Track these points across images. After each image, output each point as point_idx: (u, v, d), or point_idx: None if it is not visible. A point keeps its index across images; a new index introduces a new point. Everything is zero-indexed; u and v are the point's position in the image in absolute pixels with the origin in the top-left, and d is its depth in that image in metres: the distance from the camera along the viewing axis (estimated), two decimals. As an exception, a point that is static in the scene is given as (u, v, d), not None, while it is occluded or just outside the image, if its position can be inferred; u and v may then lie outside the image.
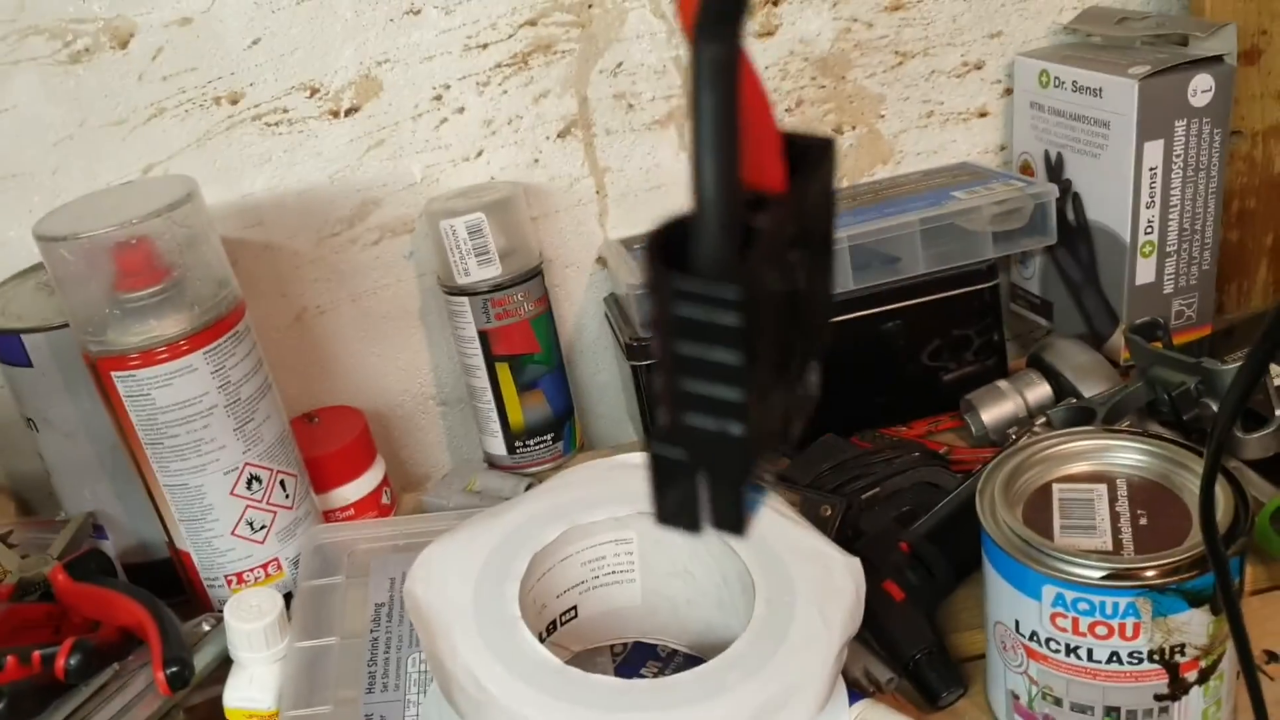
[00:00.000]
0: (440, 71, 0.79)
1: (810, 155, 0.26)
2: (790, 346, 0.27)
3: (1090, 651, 0.51)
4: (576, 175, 0.84)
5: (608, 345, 0.91)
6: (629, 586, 0.61)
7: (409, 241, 0.84)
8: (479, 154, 0.82)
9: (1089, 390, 0.76)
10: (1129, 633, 0.50)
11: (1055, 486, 0.57)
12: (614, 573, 0.60)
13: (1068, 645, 0.52)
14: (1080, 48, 0.85)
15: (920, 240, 0.78)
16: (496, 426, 0.84)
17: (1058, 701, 0.53)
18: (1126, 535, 0.53)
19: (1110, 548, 0.52)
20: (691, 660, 0.61)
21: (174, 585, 0.72)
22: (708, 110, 0.22)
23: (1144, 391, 0.72)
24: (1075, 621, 0.51)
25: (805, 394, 0.29)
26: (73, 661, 0.59)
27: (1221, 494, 0.52)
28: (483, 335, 0.81)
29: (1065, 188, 0.83)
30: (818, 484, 0.71)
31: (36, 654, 0.60)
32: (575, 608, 0.60)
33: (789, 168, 0.25)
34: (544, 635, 0.59)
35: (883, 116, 0.88)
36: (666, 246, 0.24)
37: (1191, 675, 0.51)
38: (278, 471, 0.69)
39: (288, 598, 0.67)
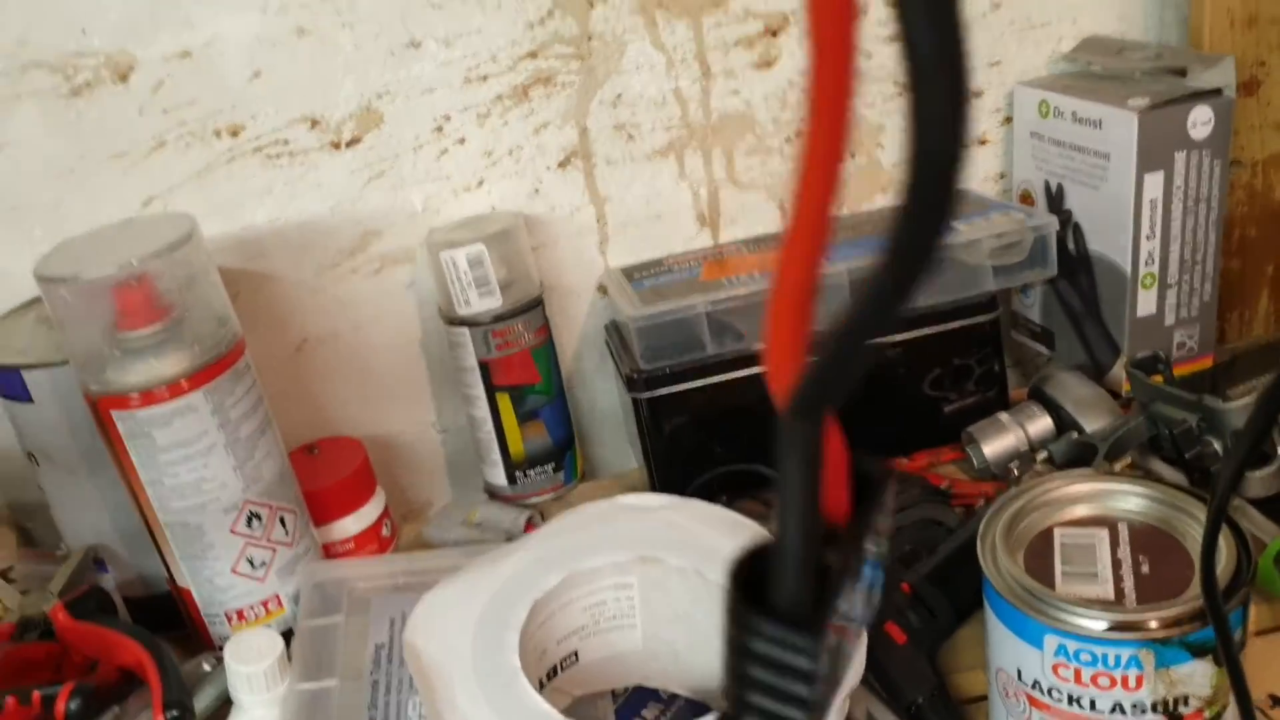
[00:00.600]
0: (441, 103, 0.79)
1: (871, 483, 0.28)
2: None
3: (1093, 702, 0.51)
4: (577, 204, 0.84)
5: (608, 372, 0.91)
6: (630, 632, 0.60)
7: (410, 271, 0.84)
8: (480, 184, 0.82)
9: (1090, 424, 0.76)
10: (1132, 684, 0.50)
11: (1057, 531, 0.56)
12: (615, 618, 0.60)
13: (1070, 695, 0.51)
14: (1080, 77, 0.85)
15: (921, 273, 0.78)
16: (497, 456, 0.84)
17: (1060, 749, 0.53)
18: (1128, 583, 0.53)
19: (1112, 597, 0.52)
20: (693, 704, 0.61)
21: (175, 620, 0.72)
22: (794, 480, 0.24)
23: (1145, 427, 0.72)
24: (1078, 672, 0.51)
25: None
26: (73, 706, 0.59)
27: (1224, 544, 0.52)
28: (483, 366, 0.81)
29: (1066, 218, 0.83)
30: (819, 520, 0.71)
31: (37, 694, 0.60)
32: (576, 652, 0.60)
33: (853, 496, 0.27)
34: (545, 680, 0.59)
35: (882, 146, 0.88)
36: (747, 576, 0.26)
37: (1194, 726, 0.51)
38: (277, 508, 0.69)
39: (288, 634, 0.67)
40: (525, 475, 0.85)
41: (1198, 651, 0.50)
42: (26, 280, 0.65)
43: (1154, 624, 0.49)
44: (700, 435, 0.80)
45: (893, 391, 0.81)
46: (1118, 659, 0.50)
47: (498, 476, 0.85)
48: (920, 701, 0.59)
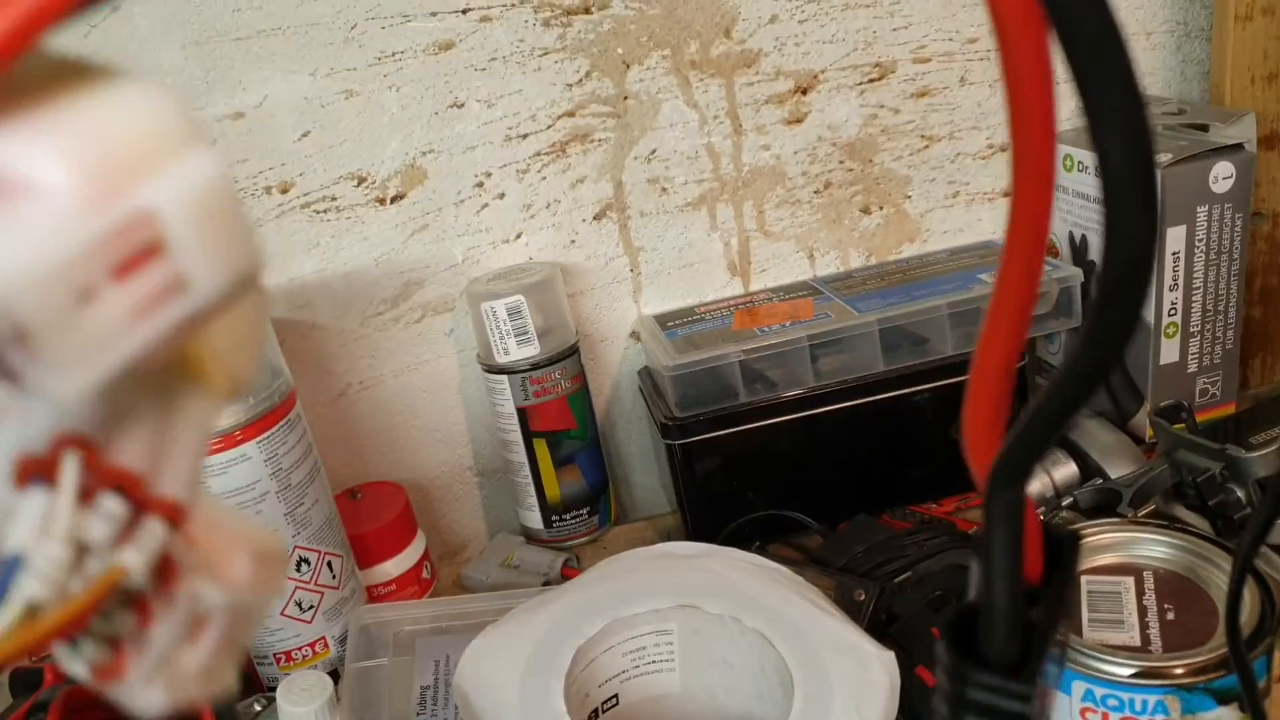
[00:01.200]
0: (482, 160, 0.82)
1: (1062, 549, 0.30)
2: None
3: (1120, 747, 0.53)
4: (611, 255, 0.87)
5: (641, 416, 0.93)
6: (669, 675, 0.62)
7: (450, 319, 0.86)
8: (518, 236, 0.85)
9: (1115, 470, 0.78)
10: (1158, 730, 0.52)
11: (1084, 579, 0.58)
12: (654, 662, 0.62)
13: (1098, 740, 0.53)
14: (1103, 131, 0.87)
15: (948, 323, 0.80)
16: (533, 500, 0.86)
17: (1088, 793, 0.55)
18: (1154, 630, 0.54)
19: (1139, 643, 0.54)
20: (730, 746, 0.62)
21: (223, 661, 0.75)
22: (1001, 547, 0.27)
23: (1169, 474, 0.74)
24: (1105, 717, 0.52)
25: None
26: (132, 745, 0.61)
27: (1248, 593, 0.54)
28: (521, 412, 0.83)
29: (1090, 269, 0.85)
30: (851, 566, 0.73)
31: (94, 734, 0.62)
32: (617, 695, 0.62)
33: (1047, 560, 0.29)
34: (587, 722, 0.60)
35: (909, 197, 0.90)
36: (957, 635, 0.29)
37: (1219, 771, 0.53)
38: (325, 553, 0.71)
39: (334, 675, 0.69)
40: (561, 519, 0.87)
41: (1223, 698, 0.51)
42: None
43: (1180, 670, 0.51)
44: (733, 481, 0.82)
45: (921, 438, 0.83)
46: (1145, 704, 0.51)
47: (534, 520, 0.87)
48: (951, 745, 0.60)
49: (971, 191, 0.91)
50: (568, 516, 0.87)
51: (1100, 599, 0.57)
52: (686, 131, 0.84)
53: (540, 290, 0.82)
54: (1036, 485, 0.80)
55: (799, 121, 0.85)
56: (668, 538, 0.84)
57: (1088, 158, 0.83)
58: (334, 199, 0.81)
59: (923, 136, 0.88)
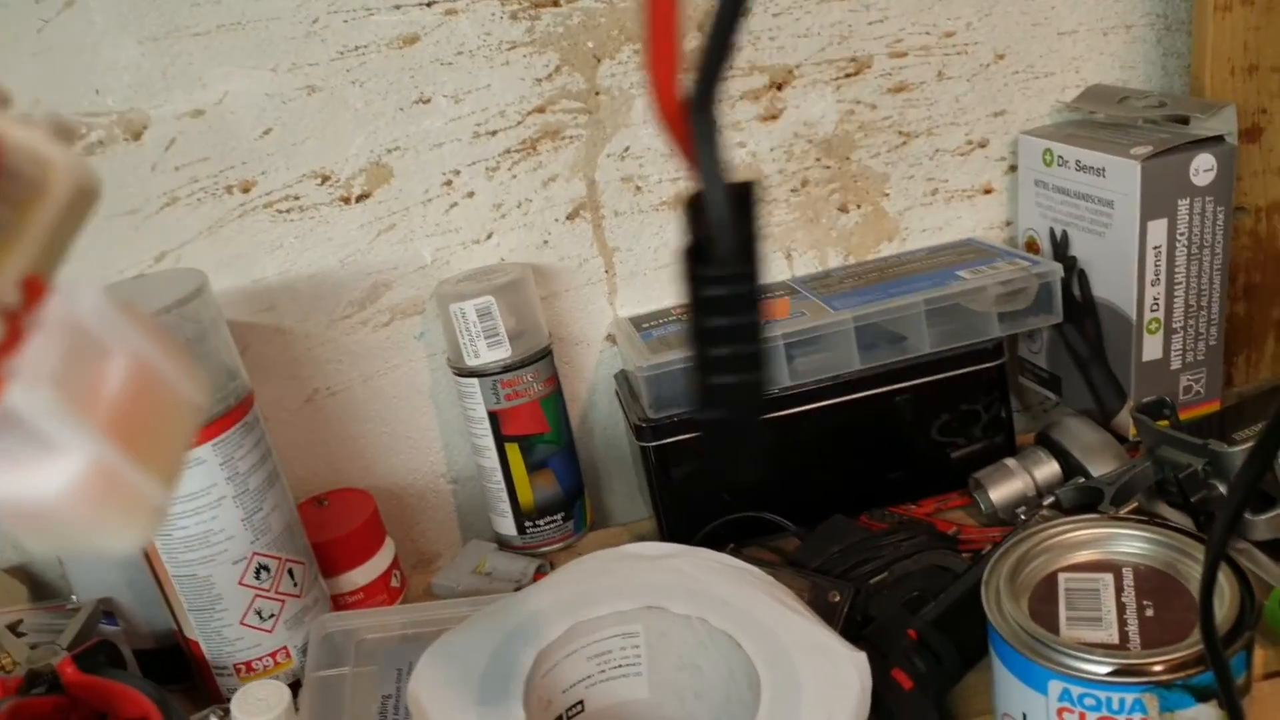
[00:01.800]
0: (450, 158, 0.80)
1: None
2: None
3: (1098, 748, 0.51)
4: (585, 255, 0.85)
5: (618, 421, 0.91)
6: (635, 680, 0.60)
7: (419, 323, 0.85)
8: (489, 236, 0.83)
9: (1097, 469, 0.76)
10: (1136, 729, 0.50)
11: (1061, 576, 0.56)
12: (620, 666, 0.60)
13: (1075, 741, 0.51)
14: (1083, 126, 0.85)
15: (926, 320, 0.79)
16: (506, 506, 0.84)
17: (1067, 797, 0.53)
18: (1133, 628, 0.52)
19: (1116, 641, 0.52)
20: (699, 753, 0.60)
21: (184, 673, 0.73)
22: (710, 160, 0.31)
23: (1152, 471, 0.72)
24: (1082, 716, 0.51)
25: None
26: (80, 757, 0.59)
27: (1227, 586, 0.52)
28: (493, 416, 0.81)
29: (1071, 265, 0.83)
30: (826, 568, 0.71)
31: (44, 747, 0.60)
32: (582, 702, 0.60)
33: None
34: (550, 729, 0.59)
35: (887, 195, 0.88)
36: (692, 254, 0.33)
37: (1201, 772, 0.51)
38: (286, 560, 0.70)
39: (296, 686, 0.67)
40: (535, 525, 0.85)
41: (1201, 695, 0.49)
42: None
43: (1158, 668, 0.49)
44: (708, 483, 0.80)
45: (899, 438, 0.82)
46: (1122, 703, 0.49)
47: (507, 526, 0.85)
48: (927, 749, 0.59)
49: (950, 189, 0.89)
50: (541, 522, 0.85)
51: (1078, 596, 0.55)
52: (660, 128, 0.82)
53: (511, 291, 0.80)
54: (1018, 484, 0.79)
55: (774, 118, 0.84)
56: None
57: (1068, 152, 0.81)
58: (297, 198, 0.79)
59: (900, 133, 0.86)
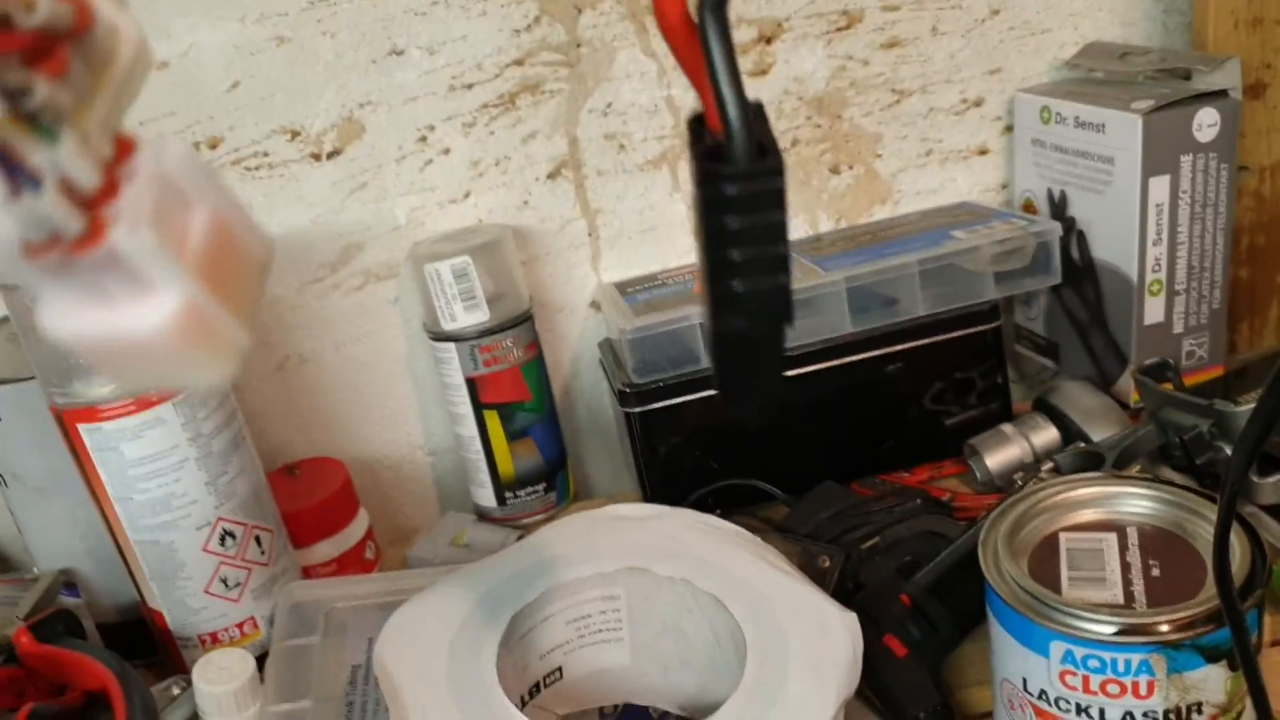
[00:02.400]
0: (424, 113, 0.77)
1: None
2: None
3: (1102, 711, 0.48)
4: (568, 217, 0.82)
5: (603, 392, 0.88)
6: (617, 646, 0.58)
7: (394, 287, 0.82)
8: (466, 196, 0.80)
9: (1097, 434, 0.74)
10: (1143, 691, 0.47)
11: (1062, 536, 0.54)
12: (601, 631, 0.57)
13: (1078, 705, 0.48)
14: (1082, 83, 0.83)
15: (919, 281, 0.76)
16: (486, 477, 0.81)
17: (1070, 765, 0.50)
18: (1138, 587, 0.50)
19: (1121, 601, 0.49)
20: (683, 723, 0.58)
21: (147, 645, 0.70)
22: (723, 56, 0.31)
23: (1155, 435, 0.70)
24: (1086, 679, 0.48)
25: None
26: (31, 728, 0.56)
27: (1237, 543, 0.50)
28: (470, 382, 0.78)
29: (1069, 225, 0.81)
30: (816, 534, 0.68)
31: (-5, 720, 0.57)
32: (560, 668, 0.57)
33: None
34: (526, 698, 0.56)
35: (880, 155, 0.86)
36: (708, 159, 0.32)
37: (1211, 737, 0.48)
38: (253, 527, 0.67)
39: (263, 659, 0.64)
40: (515, 496, 0.82)
41: (1211, 656, 0.47)
42: None
43: (1165, 627, 0.46)
44: (694, 450, 0.78)
45: (892, 405, 0.79)
46: (1128, 664, 0.47)
47: (487, 498, 0.82)
48: (921, 717, 0.56)
49: (945, 149, 0.86)
50: (522, 493, 0.82)
51: (1080, 556, 0.52)
52: (645, 83, 0.79)
53: (489, 252, 0.77)
54: (1015, 450, 0.76)
55: (764, 73, 0.81)
56: (626, 513, 0.79)
57: (1066, 109, 0.79)
58: (266, 154, 0.76)
59: (893, 90, 0.84)
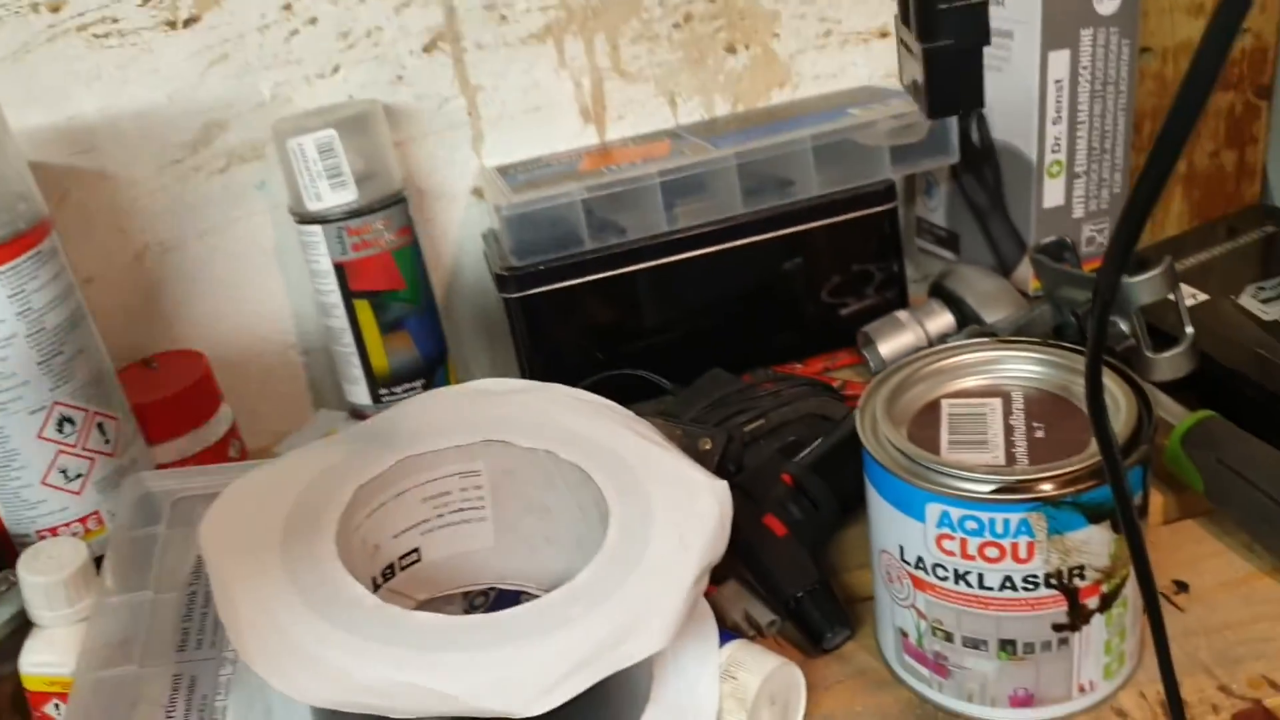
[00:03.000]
0: (286, -23, 0.72)
1: None
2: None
3: (981, 577, 0.46)
4: (446, 95, 0.78)
5: (487, 285, 0.84)
6: (479, 525, 0.54)
7: (260, 169, 0.76)
8: (335, 70, 0.75)
9: (993, 317, 0.71)
10: (1022, 554, 0.45)
11: (944, 402, 0.51)
12: (461, 510, 0.54)
13: (956, 571, 0.46)
14: (983, -42, 0.79)
15: (814, 159, 0.72)
16: (359, 372, 0.77)
17: (949, 637, 0.48)
18: (1021, 449, 0.47)
19: (1002, 462, 0.46)
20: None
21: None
22: None
23: (1051, 314, 0.67)
24: (963, 543, 0.45)
25: None
26: None
27: (1124, 399, 0.47)
28: (339, 268, 0.74)
29: (968, 107, 0.78)
30: (700, 419, 0.65)
31: None
32: (418, 549, 0.53)
33: None
34: (379, 581, 0.52)
35: (777, 35, 0.82)
36: None
37: (1092, 602, 0.46)
38: (95, 413, 0.62)
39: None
40: (391, 393, 0.78)
41: (1093, 515, 0.44)
42: None
43: (1046, 484, 0.44)
44: (579, 338, 0.74)
45: (785, 291, 0.76)
46: (1006, 525, 0.44)
47: (361, 394, 0.78)
48: (800, 597, 0.53)
49: (845, 31, 0.83)
50: (398, 390, 0.78)
51: (962, 421, 0.50)
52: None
53: (357, 127, 0.72)
54: (909, 337, 0.73)
55: (650, -56, 0.77)
56: (508, 406, 0.76)
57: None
58: (115, 20, 0.70)
59: (789, -35, 0.80)
